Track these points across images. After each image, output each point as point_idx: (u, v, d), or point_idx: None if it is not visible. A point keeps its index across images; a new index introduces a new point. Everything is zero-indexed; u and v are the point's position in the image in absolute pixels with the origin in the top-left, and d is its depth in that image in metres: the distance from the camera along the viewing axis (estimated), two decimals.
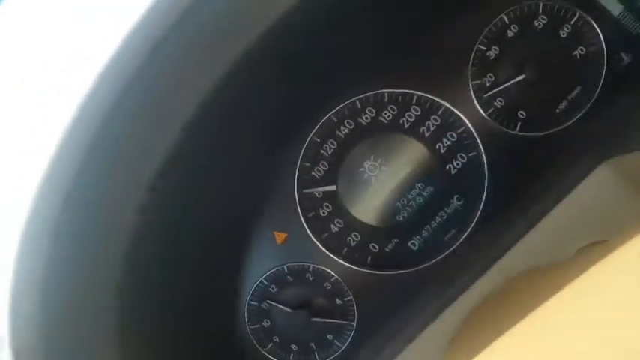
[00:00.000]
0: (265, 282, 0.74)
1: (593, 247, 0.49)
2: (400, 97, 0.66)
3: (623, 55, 0.60)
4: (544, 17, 0.61)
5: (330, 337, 0.75)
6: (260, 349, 0.76)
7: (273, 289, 0.74)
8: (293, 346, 0.76)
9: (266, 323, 0.76)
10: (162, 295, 0.55)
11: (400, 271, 0.72)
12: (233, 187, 0.69)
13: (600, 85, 0.62)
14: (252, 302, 0.75)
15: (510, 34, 0.62)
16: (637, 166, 0.51)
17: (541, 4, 0.61)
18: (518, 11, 0.61)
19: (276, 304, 0.74)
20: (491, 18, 0.62)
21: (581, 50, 0.62)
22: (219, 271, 0.72)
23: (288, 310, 0.74)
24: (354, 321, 0.74)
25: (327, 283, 0.74)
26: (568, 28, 0.61)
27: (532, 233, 0.56)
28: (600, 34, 0.61)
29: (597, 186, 0.54)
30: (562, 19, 0.61)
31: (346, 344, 0.75)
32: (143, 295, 0.49)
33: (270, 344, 0.76)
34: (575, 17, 0.61)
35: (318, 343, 0.75)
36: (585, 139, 0.61)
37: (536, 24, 0.62)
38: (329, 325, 0.74)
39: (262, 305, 0.75)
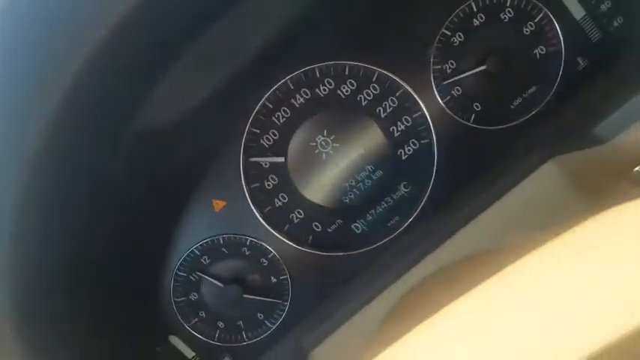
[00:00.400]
0: (197, 252, 0.69)
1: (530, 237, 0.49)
2: (361, 72, 0.64)
3: (579, 59, 0.62)
4: (510, 11, 0.62)
5: (260, 316, 0.72)
6: (184, 324, 0.71)
7: (205, 260, 0.70)
8: (220, 324, 0.72)
9: (193, 297, 0.71)
10: (80, 249, 0.50)
11: (340, 253, 0.70)
12: (175, 148, 0.64)
13: (555, 86, 0.63)
14: (181, 273, 0.70)
15: (476, 22, 0.62)
16: (581, 164, 0.52)
17: None
18: (487, 0, 0.61)
19: (206, 277, 0.70)
20: (459, 3, 0.61)
21: (542, 50, 0.63)
22: (147, 235, 0.67)
23: (220, 284, 0.70)
24: (287, 301, 0.71)
25: (263, 260, 0.70)
26: (532, 26, 0.62)
27: (473, 223, 0.56)
28: (561, 35, 0.62)
29: (542, 181, 0.54)
30: (527, 15, 0.61)
31: (276, 324, 0.71)
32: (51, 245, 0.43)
33: (196, 320, 0.71)
34: (540, 15, 0.61)
35: (247, 322, 0.72)
36: (535, 136, 0.62)
37: (502, 16, 0.62)
38: (261, 304, 0.71)
39: (191, 277, 0.70)
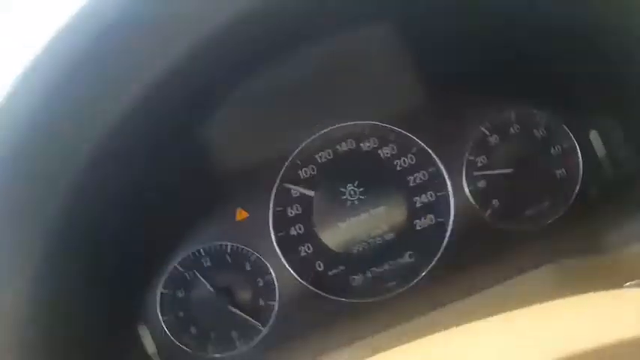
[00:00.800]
0: (202, 252, 0.71)
1: None
2: (405, 141, 0.72)
3: (593, 189, 0.70)
4: (544, 130, 0.71)
5: (234, 334, 0.71)
6: (160, 316, 0.70)
7: (206, 262, 0.71)
8: (192, 329, 0.71)
9: (180, 293, 0.71)
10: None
11: (332, 297, 0.71)
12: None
13: (567, 206, 0.70)
14: (179, 267, 0.71)
15: (512, 131, 0.71)
16: (578, 271, 0.57)
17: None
18: (525, 115, 0.71)
19: (201, 278, 0.71)
20: (501, 110, 0.71)
21: (563, 172, 0.71)
22: (165, 222, 0.69)
23: (211, 289, 0.70)
24: (265, 326, 0.71)
25: (260, 279, 0.71)
26: (559, 149, 0.71)
27: (461, 304, 0.60)
28: (581, 166, 0.70)
29: (538, 280, 0.59)
30: (557, 138, 0.71)
31: (247, 347, 0.70)
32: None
33: (172, 317, 0.70)
34: (568, 143, 0.71)
35: (219, 336, 0.71)
36: (539, 242, 0.67)
37: (536, 132, 0.71)
38: (239, 322, 0.70)
39: (187, 274, 0.71)
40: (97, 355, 0.59)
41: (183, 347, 0.70)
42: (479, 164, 0.72)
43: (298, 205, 0.73)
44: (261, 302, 0.71)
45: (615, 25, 0.47)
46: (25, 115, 0.37)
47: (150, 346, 0.70)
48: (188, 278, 0.71)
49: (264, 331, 0.70)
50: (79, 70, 0.37)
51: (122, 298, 0.69)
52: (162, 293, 0.71)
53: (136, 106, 0.40)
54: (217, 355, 0.70)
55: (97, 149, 0.41)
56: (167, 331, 0.70)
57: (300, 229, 0.73)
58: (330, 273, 0.73)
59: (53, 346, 0.46)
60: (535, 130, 0.71)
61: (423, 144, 0.71)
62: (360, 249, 0.73)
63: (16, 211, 0.39)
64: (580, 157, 0.70)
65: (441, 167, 0.71)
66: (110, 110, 0.40)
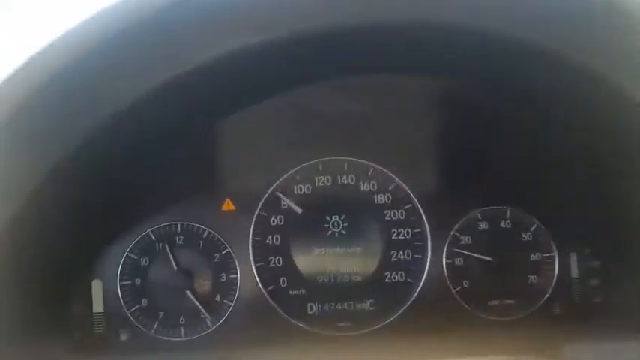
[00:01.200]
0: (177, 229, 0.72)
1: None
2: (401, 195, 0.74)
3: (558, 303, 0.73)
4: (531, 235, 0.74)
5: (182, 320, 0.71)
6: (119, 277, 0.71)
7: (179, 240, 0.72)
8: (144, 301, 0.71)
9: (144, 261, 0.72)
10: None
11: (284, 315, 0.72)
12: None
13: (530, 311, 0.73)
14: (152, 235, 0.72)
15: (504, 225, 0.74)
16: None
17: None
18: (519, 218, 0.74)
19: (169, 253, 0.71)
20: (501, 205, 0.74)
21: (535, 278, 0.73)
22: (158, 188, 0.71)
23: (174, 267, 0.71)
24: (215, 323, 0.71)
25: (224, 275, 0.72)
26: (538, 257, 0.74)
27: None
28: (554, 279, 0.73)
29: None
30: (542, 247, 0.74)
31: (190, 336, 0.71)
32: None
33: (128, 281, 0.71)
34: (548, 256, 0.73)
35: (167, 317, 0.71)
36: (496, 332, 0.70)
37: (523, 236, 0.74)
38: (191, 309, 0.71)
39: (158, 244, 0.72)
40: (45, 295, 0.60)
41: (129, 316, 0.70)
42: (462, 242, 0.74)
43: (282, 217, 0.74)
44: (218, 298, 0.72)
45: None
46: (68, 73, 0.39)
47: (98, 304, 0.70)
48: (156, 249, 0.72)
49: (212, 327, 0.71)
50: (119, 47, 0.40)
51: (88, 249, 0.70)
52: (127, 256, 0.71)
53: (161, 88, 0.44)
54: (157, 336, 0.71)
55: (116, 116, 0.44)
56: (120, 295, 0.70)
57: (276, 240, 0.74)
58: (291, 292, 0.74)
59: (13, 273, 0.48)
60: (523, 233, 0.73)
61: (417, 204, 0.74)
62: (326, 280, 0.74)
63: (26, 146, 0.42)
64: (556, 272, 0.73)
65: (427, 232, 0.74)
66: (135, 89, 0.43)
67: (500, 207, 0.74)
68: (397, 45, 0.52)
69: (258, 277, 0.72)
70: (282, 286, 0.74)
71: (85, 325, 0.69)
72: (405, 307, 0.73)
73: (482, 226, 0.74)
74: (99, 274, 0.70)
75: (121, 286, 0.70)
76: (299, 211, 0.74)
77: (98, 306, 0.70)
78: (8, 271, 0.48)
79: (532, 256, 0.74)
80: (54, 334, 0.64)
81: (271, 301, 0.72)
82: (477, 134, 0.70)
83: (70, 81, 0.40)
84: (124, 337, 0.70)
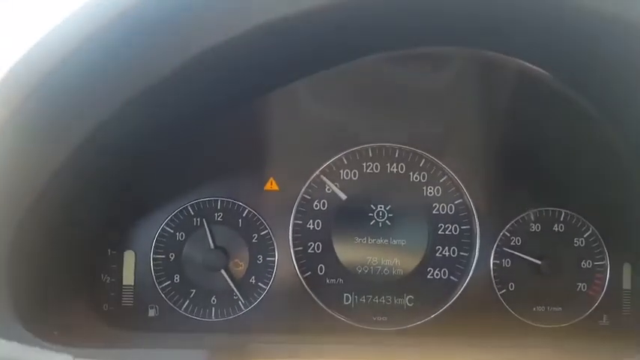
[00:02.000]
0: (217, 205, 0.69)
1: None
2: (453, 190, 0.71)
3: (606, 314, 0.69)
4: (583, 241, 0.71)
5: (213, 300, 0.68)
6: (153, 253, 0.68)
7: (218, 216, 0.69)
8: (176, 277, 0.68)
9: (180, 236, 0.68)
10: None
11: (319, 303, 0.69)
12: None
13: (576, 320, 0.69)
14: (191, 210, 0.69)
15: (556, 228, 0.71)
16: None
17: None
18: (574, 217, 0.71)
19: (207, 229, 0.68)
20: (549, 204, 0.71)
21: (584, 286, 0.70)
22: (205, 164, 0.69)
23: (212, 244, 0.68)
24: (248, 306, 0.68)
25: (261, 257, 0.69)
26: (589, 264, 0.70)
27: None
28: (604, 289, 0.70)
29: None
30: (594, 255, 0.70)
31: (220, 318, 0.68)
32: None
33: (162, 255, 0.68)
34: (599, 264, 0.70)
35: (199, 295, 0.68)
36: (540, 338, 0.67)
37: (576, 241, 0.70)
38: (224, 290, 0.68)
39: (195, 219, 0.69)
40: (77, 264, 0.57)
41: (160, 292, 0.67)
42: (512, 243, 0.71)
43: (326, 202, 0.71)
44: (253, 280, 0.69)
45: None
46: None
47: (128, 276, 0.67)
48: (194, 224, 0.68)
49: (244, 310, 0.68)
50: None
51: (122, 220, 0.67)
52: (163, 229, 0.68)
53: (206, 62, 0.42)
54: (187, 314, 0.67)
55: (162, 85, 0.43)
56: (152, 269, 0.67)
57: (318, 225, 0.71)
58: (328, 281, 0.71)
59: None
60: (576, 238, 0.70)
61: (469, 199, 0.70)
62: (365, 272, 0.71)
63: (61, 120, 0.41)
64: (607, 281, 0.70)
65: (477, 230, 0.70)
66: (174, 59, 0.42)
67: (555, 209, 0.70)
68: (465, 17, 0.49)
69: (297, 262, 0.69)
70: (320, 273, 0.70)
71: (114, 298, 0.66)
72: (445, 306, 0.70)
73: (534, 227, 0.70)
74: (133, 245, 0.67)
75: (154, 260, 0.67)
76: (343, 197, 0.70)
77: (129, 278, 0.67)
78: (41, 239, 0.46)
79: (583, 263, 0.70)
80: (83, 303, 0.61)
81: (307, 288, 0.69)
82: (539, 133, 0.67)
83: (108, 49, 0.38)
84: (152, 313, 0.67)
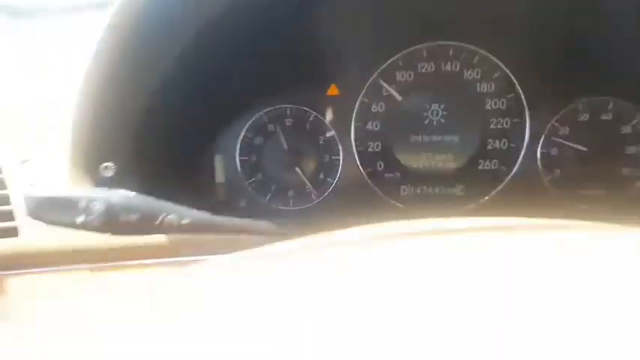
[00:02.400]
0: (287, 112, 0.78)
1: None
2: (505, 83, 0.75)
3: None
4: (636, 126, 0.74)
5: (290, 193, 0.81)
6: (238, 154, 0.79)
7: (289, 122, 0.79)
8: (259, 175, 0.80)
9: (258, 140, 0.79)
10: None
11: (380, 193, 0.79)
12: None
13: (621, 202, 0.75)
14: (265, 116, 0.79)
15: (605, 117, 0.74)
16: None
17: None
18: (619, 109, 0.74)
19: (280, 133, 0.78)
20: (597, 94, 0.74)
21: (629, 170, 0.75)
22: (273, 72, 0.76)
23: (285, 146, 0.79)
24: (319, 197, 0.80)
25: (327, 156, 0.79)
26: (634, 150, 0.74)
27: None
28: None
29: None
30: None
31: (296, 207, 0.80)
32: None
33: (245, 157, 0.80)
34: None
35: (278, 188, 0.80)
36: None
37: (626, 127, 0.74)
38: (299, 184, 0.80)
39: (270, 125, 0.79)
40: (179, 170, 0.69)
41: (247, 187, 0.80)
42: (560, 132, 0.75)
43: (383, 104, 0.78)
44: (322, 176, 0.80)
45: None
46: None
47: (220, 175, 0.80)
48: (269, 130, 0.79)
49: (316, 200, 0.80)
50: None
51: (211, 129, 0.78)
52: (244, 135, 0.79)
53: None
54: (270, 204, 0.80)
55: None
56: (239, 169, 0.79)
57: (376, 126, 0.79)
58: (386, 175, 0.80)
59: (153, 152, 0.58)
60: (623, 126, 0.73)
61: (521, 93, 0.75)
62: (420, 166, 0.80)
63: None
64: None
65: (527, 122, 0.76)
66: None
67: (604, 97, 0.73)
68: None
69: (359, 160, 0.79)
70: (379, 169, 0.80)
71: (209, 194, 0.80)
72: (494, 191, 0.78)
73: (583, 117, 0.74)
74: (221, 150, 0.79)
75: (240, 161, 0.79)
76: (399, 98, 0.77)
77: (220, 177, 0.80)
78: (145, 146, 0.57)
79: (628, 148, 0.75)
80: (183, 200, 0.75)
81: (369, 181, 0.79)
82: (585, 22, 0.68)
83: None
84: (242, 204, 0.81)
